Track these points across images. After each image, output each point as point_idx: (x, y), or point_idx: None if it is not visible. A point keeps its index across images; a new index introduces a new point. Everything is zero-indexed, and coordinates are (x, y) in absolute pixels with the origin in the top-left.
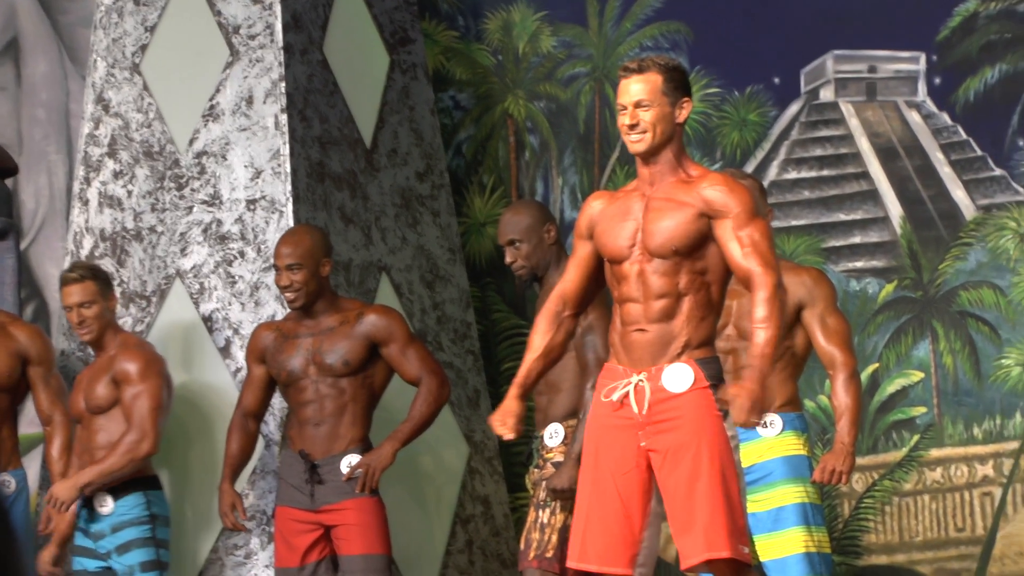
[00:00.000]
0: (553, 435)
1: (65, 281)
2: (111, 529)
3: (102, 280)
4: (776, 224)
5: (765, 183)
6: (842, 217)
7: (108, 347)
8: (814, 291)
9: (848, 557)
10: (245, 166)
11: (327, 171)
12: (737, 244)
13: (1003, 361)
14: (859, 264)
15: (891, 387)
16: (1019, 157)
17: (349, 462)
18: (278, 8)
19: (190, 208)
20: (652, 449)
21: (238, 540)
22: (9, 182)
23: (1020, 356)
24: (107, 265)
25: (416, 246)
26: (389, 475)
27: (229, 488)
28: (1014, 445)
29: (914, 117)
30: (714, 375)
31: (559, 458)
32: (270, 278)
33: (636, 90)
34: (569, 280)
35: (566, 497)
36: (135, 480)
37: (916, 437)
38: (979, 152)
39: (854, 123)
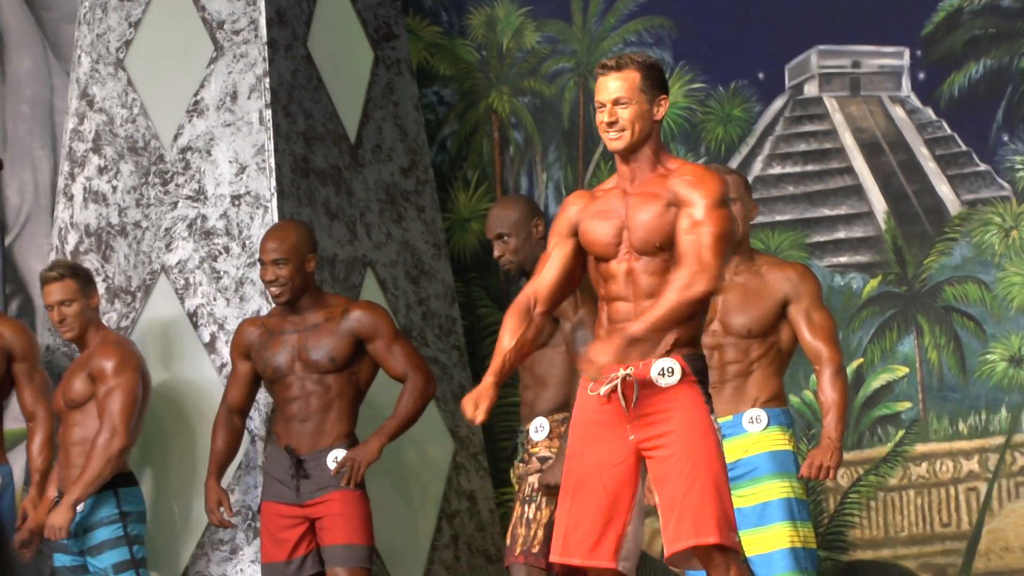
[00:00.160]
0: (539, 429)
1: (45, 280)
2: (83, 529)
3: (83, 278)
4: (760, 219)
5: (750, 178)
6: (826, 212)
7: (90, 344)
8: (799, 286)
9: (833, 552)
10: (230, 162)
11: (312, 167)
12: (687, 234)
13: (988, 356)
14: (843, 259)
15: (876, 382)
16: (1004, 152)
17: (335, 457)
18: (262, 4)
19: (175, 204)
20: (642, 442)
21: (223, 536)
22: None
23: (1005, 351)
24: (92, 261)
25: (401, 242)
26: (375, 470)
27: (215, 485)
28: (999, 440)
29: (898, 112)
30: (700, 371)
31: (544, 452)
32: (255, 274)
33: (614, 87)
34: (545, 278)
35: (558, 492)
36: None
37: (901, 432)
38: (964, 147)
39: (838, 118)
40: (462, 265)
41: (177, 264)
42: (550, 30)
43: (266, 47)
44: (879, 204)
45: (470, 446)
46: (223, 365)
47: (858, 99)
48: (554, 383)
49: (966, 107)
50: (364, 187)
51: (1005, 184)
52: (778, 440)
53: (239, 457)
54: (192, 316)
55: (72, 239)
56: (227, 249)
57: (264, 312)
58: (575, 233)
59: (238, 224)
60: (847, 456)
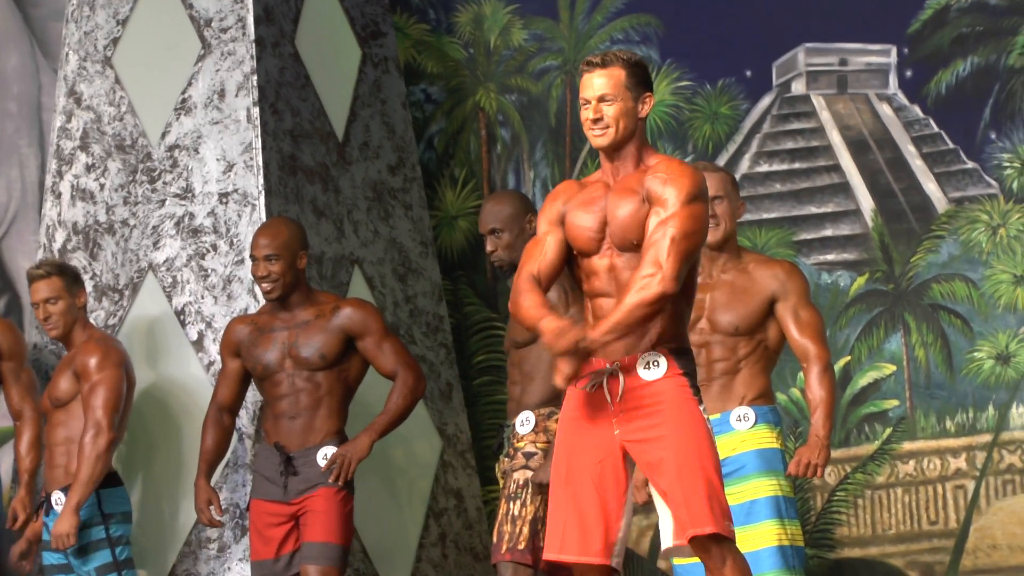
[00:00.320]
0: (524, 422)
1: (31, 278)
2: None
3: (69, 276)
4: (748, 217)
5: (737, 176)
6: (814, 210)
7: (76, 342)
8: (787, 284)
9: (821, 550)
10: (217, 159)
11: (299, 164)
12: (654, 229)
13: (975, 354)
14: (831, 257)
15: (863, 380)
16: (991, 150)
17: (325, 454)
18: (250, 1)
19: (162, 201)
20: (627, 437)
21: (211, 533)
22: None
23: (992, 349)
24: (79, 258)
25: (388, 239)
26: (362, 468)
27: (205, 484)
28: (987, 438)
29: (885, 110)
30: (687, 363)
31: (530, 448)
32: (243, 271)
33: (599, 84)
34: (543, 262)
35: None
36: None
37: (888, 430)
38: (951, 145)
39: (825, 116)
40: (449, 263)
41: (165, 262)
42: (537, 28)
43: (254, 45)
44: (866, 202)
45: (457, 444)
46: (211, 363)
47: (845, 97)
48: (541, 377)
49: (953, 105)
50: (351, 185)
51: (992, 182)
52: (766, 438)
53: (227, 455)
54: (180, 314)
55: (60, 237)
56: (215, 247)
57: (252, 310)
58: (563, 223)
59: (226, 222)
60: (834, 454)
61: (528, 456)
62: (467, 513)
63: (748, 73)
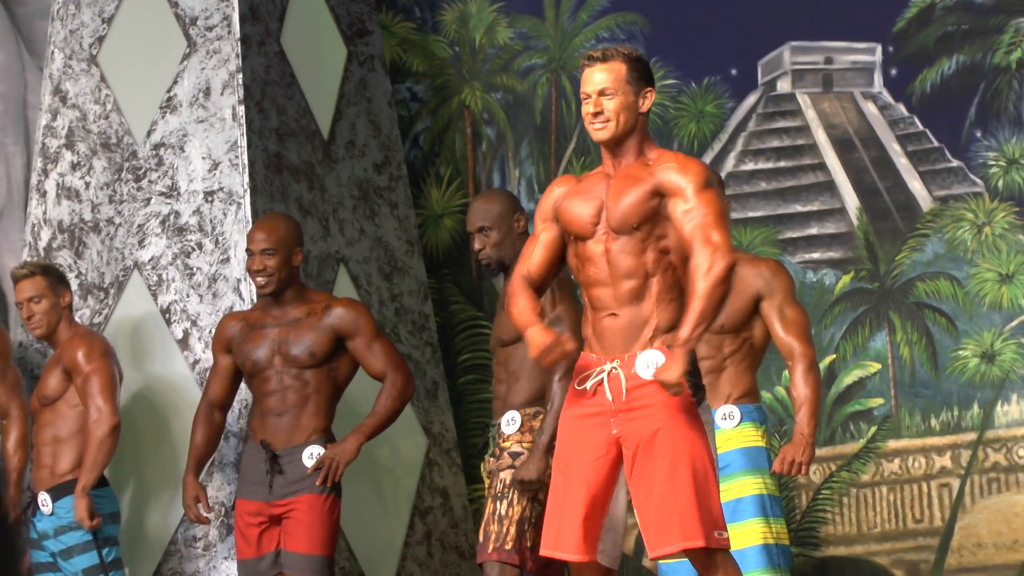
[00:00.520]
0: (510, 422)
1: (16, 278)
2: (53, 532)
3: (53, 276)
4: (733, 215)
5: (722, 174)
6: (799, 208)
7: (62, 340)
8: (772, 282)
9: (806, 548)
10: (203, 158)
11: (285, 163)
12: (685, 217)
13: (960, 352)
14: (816, 255)
15: (848, 378)
16: (976, 148)
17: (311, 452)
18: (235, 0)
19: (148, 200)
20: (623, 437)
21: (197, 532)
22: None
23: (977, 347)
24: (65, 257)
25: (374, 238)
26: (348, 467)
27: (193, 480)
28: (971, 436)
29: (870, 108)
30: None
31: (516, 448)
32: (228, 270)
33: (600, 78)
34: (534, 260)
35: (533, 488)
36: (74, 480)
37: (873, 428)
38: (936, 143)
39: (811, 114)
40: (435, 261)
41: (150, 260)
42: (522, 26)
43: (239, 43)
44: (851, 200)
45: (443, 442)
46: (196, 361)
47: (830, 95)
48: (527, 376)
49: (938, 103)
50: (337, 183)
51: (977, 180)
52: (751, 436)
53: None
54: (165, 312)
55: (45, 235)
56: (200, 245)
57: (237, 309)
58: (557, 217)
59: (211, 220)
60: (819, 452)
61: (514, 456)
62: (453, 512)
63: (733, 71)
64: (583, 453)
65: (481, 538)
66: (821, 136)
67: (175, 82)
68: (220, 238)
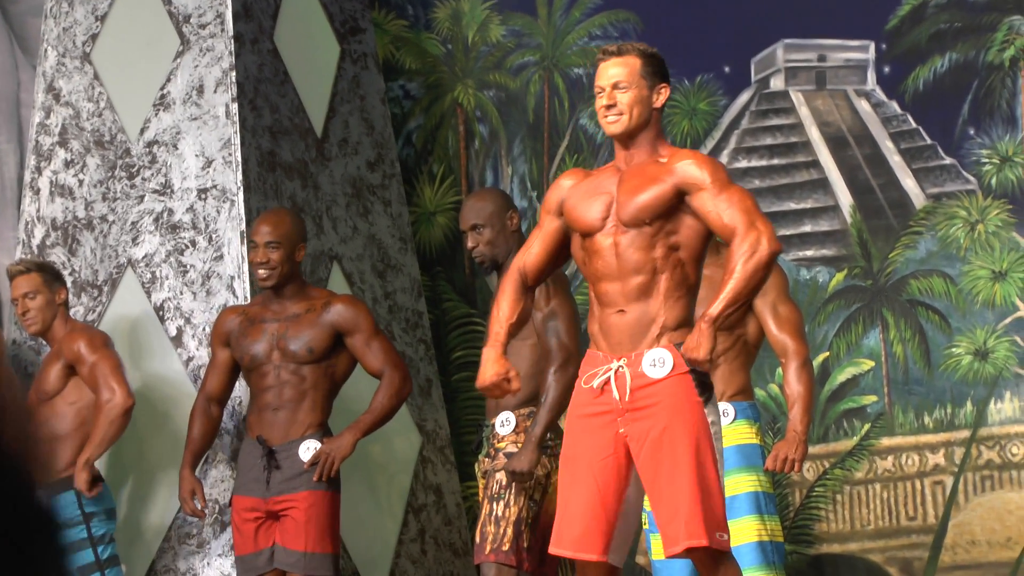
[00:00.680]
0: (504, 423)
1: (11, 274)
2: None
3: (49, 272)
4: None
5: None
6: (792, 206)
7: (58, 337)
8: None
9: (800, 546)
10: (196, 155)
11: (278, 160)
12: (719, 207)
13: (953, 350)
14: (809, 253)
15: (841, 376)
16: (969, 146)
17: (307, 447)
18: None
19: (141, 197)
20: (630, 436)
21: (191, 529)
22: None
23: (970, 345)
24: (58, 254)
25: (367, 235)
26: (342, 464)
27: (189, 474)
28: (965, 434)
29: (864, 106)
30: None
31: (511, 448)
32: (222, 267)
33: (614, 72)
34: (532, 253)
35: (524, 480)
36: (69, 477)
37: (867, 426)
38: (929, 141)
39: (804, 112)
40: (428, 259)
41: (144, 258)
42: (515, 24)
43: (232, 41)
44: (845, 198)
45: (436, 440)
46: (190, 359)
47: (824, 93)
48: (521, 376)
49: (932, 101)
50: (330, 181)
51: (971, 178)
52: (745, 434)
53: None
54: (159, 310)
55: (39, 233)
56: (194, 243)
57: (232, 305)
58: (562, 210)
59: (204, 218)
60: (813, 450)
61: (509, 456)
62: (446, 509)
63: (726, 69)
64: (591, 452)
65: (478, 539)
66: (814, 134)
67: (168, 80)
68: (214, 235)
